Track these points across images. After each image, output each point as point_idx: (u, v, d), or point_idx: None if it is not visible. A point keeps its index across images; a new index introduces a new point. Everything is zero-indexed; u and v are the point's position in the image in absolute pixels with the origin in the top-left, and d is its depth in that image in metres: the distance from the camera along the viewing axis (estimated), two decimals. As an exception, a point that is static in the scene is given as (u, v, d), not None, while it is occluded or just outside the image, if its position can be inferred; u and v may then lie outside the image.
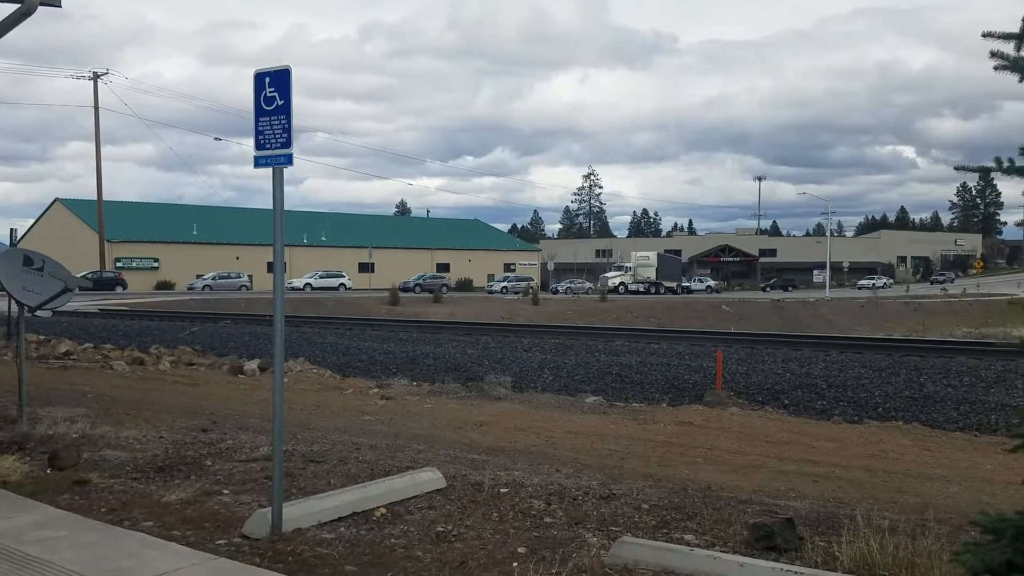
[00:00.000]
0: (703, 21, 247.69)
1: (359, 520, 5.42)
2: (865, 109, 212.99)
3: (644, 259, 74.50)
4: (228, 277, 67.12)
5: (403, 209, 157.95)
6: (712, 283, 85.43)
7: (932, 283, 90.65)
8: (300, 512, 5.30)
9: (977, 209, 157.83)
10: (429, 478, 6.27)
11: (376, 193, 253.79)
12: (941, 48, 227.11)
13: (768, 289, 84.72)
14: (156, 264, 71.59)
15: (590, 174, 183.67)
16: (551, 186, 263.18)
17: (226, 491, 6.15)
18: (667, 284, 73.05)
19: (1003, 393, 14.35)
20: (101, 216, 61.91)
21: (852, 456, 8.80)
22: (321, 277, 69.55)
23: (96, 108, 60.62)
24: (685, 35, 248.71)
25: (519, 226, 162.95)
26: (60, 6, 7.90)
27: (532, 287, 64.17)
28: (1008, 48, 3.36)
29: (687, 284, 80.00)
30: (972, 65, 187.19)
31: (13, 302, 8.49)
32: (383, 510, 5.61)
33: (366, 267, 74.59)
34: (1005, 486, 7.36)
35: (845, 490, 6.93)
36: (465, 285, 79.17)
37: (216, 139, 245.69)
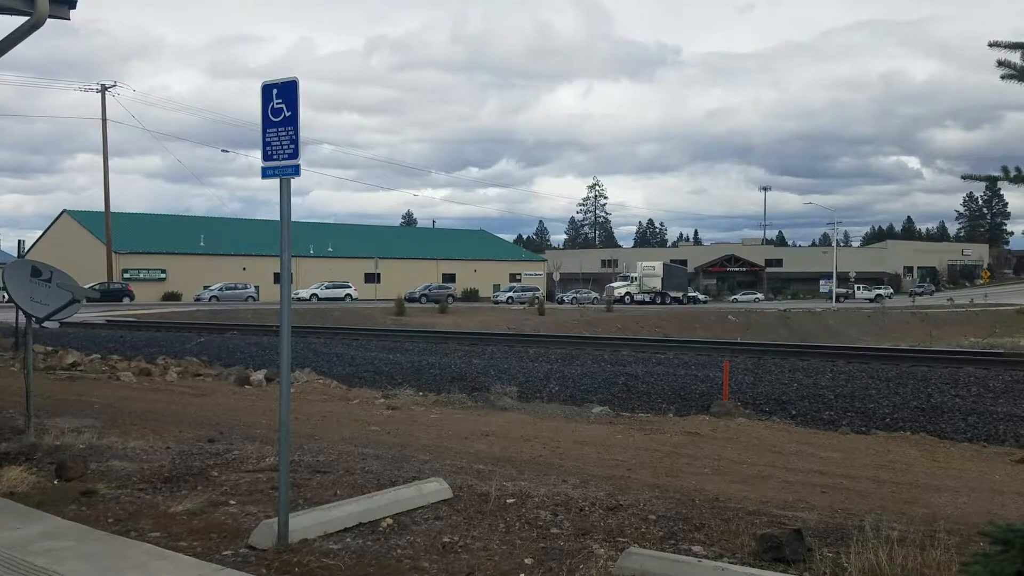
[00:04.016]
0: (706, 33, 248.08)
1: (365, 531, 5.42)
2: (869, 120, 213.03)
3: (650, 269, 74.45)
4: (235, 288, 67.24)
5: (409, 220, 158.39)
6: (873, 294, 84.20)
7: (911, 295, 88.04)
8: (306, 523, 5.29)
9: (984, 219, 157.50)
10: (435, 488, 6.26)
11: (382, 204, 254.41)
12: (943, 59, 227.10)
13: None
14: (163, 275, 71.76)
15: (595, 185, 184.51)
16: (556, 197, 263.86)
17: (232, 501, 6.15)
18: (673, 294, 72.98)
19: (1011, 403, 14.28)
20: (108, 227, 62.12)
21: (860, 466, 8.76)
22: (327, 288, 69.61)
23: (104, 120, 60.91)
24: (688, 47, 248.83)
25: (524, 236, 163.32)
26: (69, 19, 7.95)
27: (538, 297, 64.20)
28: (1015, 57, 3.37)
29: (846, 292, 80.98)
30: (974, 76, 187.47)
31: (21, 313, 8.52)
32: (389, 520, 5.60)
33: (372, 277, 74.78)
34: (1015, 497, 7.32)
35: (853, 501, 6.90)
36: (471, 295, 79.16)
37: (223, 151, 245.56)
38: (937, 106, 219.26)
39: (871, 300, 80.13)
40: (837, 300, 75.69)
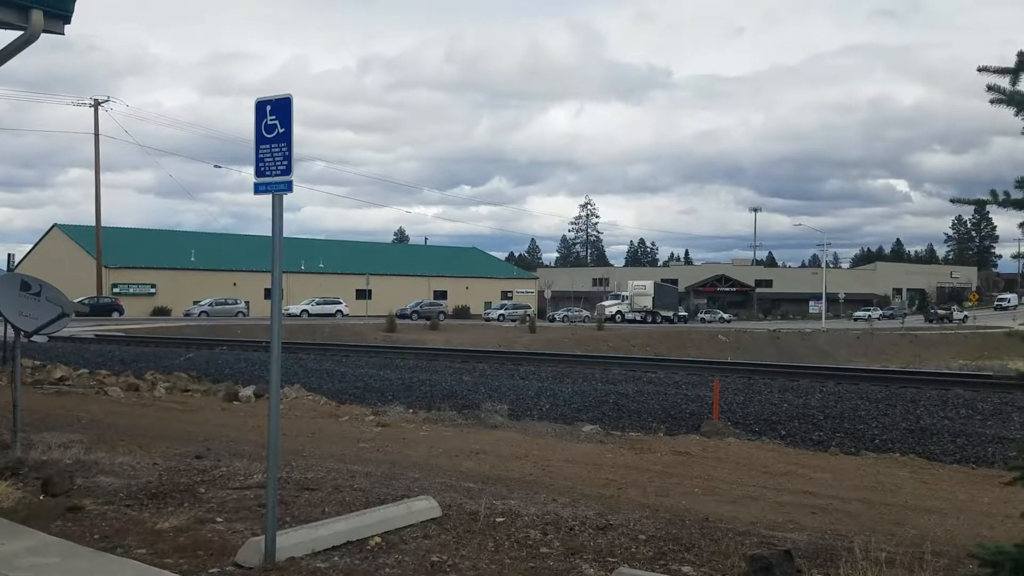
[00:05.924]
0: (696, 56, 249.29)
1: (353, 549, 5.38)
2: (858, 143, 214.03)
3: (641, 288, 74.68)
4: (225, 303, 67.03)
5: (401, 237, 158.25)
6: (963, 315, 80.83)
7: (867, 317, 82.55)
8: (294, 541, 5.25)
9: (972, 242, 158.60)
10: (424, 507, 6.23)
11: (374, 221, 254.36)
12: (930, 84, 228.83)
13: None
14: (153, 290, 71.49)
15: (587, 204, 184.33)
16: (548, 215, 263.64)
17: (219, 519, 6.10)
18: (664, 313, 73.17)
19: (1000, 426, 14.31)
20: (99, 242, 61.94)
21: (849, 488, 8.76)
22: (318, 304, 69.48)
23: (96, 135, 60.88)
24: (679, 70, 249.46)
25: (516, 254, 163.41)
26: (63, 34, 7.96)
27: (529, 315, 64.17)
28: (1004, 82, 3.41)
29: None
30: (961, 101, 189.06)
31: (9, 327, 8.47)
32: (378, 539, 5.57)
33: (363, 294, 74.72)
34: (1003, 519, 7.33)
35: (843, 522, 6.89)
36: (462, 312, 79.14)
37: (216, 167, 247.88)
38: (925, 130, 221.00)
39: (962, 321, 78.80)
40: (939, 321, 74.99)
